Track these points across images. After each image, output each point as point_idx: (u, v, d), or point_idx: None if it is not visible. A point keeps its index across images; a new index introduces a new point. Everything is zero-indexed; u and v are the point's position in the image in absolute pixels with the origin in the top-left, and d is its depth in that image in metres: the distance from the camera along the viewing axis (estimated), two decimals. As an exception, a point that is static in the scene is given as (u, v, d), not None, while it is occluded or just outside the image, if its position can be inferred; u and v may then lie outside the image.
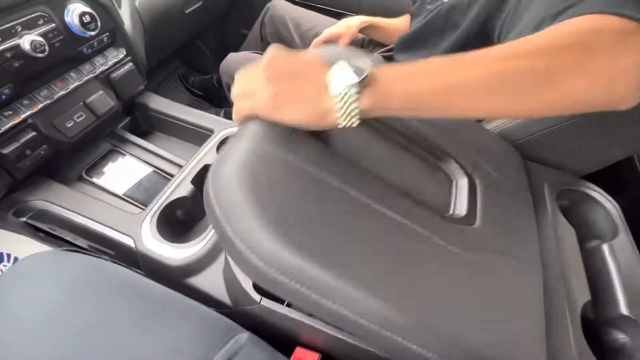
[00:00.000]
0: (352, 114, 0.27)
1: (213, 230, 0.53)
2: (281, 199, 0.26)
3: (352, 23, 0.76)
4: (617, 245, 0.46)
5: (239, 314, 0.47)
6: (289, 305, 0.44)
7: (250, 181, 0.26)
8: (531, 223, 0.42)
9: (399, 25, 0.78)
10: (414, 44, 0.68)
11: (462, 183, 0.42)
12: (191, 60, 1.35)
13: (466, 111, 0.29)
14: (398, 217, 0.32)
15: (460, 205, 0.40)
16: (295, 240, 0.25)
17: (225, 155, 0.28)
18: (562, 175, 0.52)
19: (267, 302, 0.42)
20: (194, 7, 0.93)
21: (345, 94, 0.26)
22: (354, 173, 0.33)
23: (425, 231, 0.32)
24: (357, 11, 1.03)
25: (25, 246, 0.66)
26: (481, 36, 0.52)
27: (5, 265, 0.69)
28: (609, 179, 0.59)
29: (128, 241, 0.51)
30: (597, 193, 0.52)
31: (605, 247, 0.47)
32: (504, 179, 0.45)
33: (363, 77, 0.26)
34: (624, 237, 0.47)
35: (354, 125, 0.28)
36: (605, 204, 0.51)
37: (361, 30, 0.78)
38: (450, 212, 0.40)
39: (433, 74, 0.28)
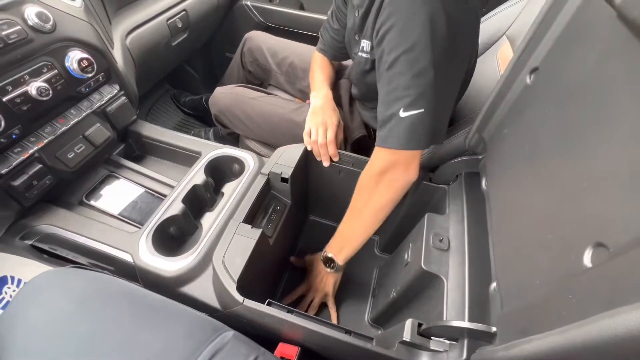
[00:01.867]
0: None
1: (203, 243, 0.60)
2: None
3: (334, 119, 0.73)
4: None
5: (227, 316, 0.53)
6: (269, 304, 0.50)
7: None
8: None
9: None
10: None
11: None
12: (180, 83, 1.43)
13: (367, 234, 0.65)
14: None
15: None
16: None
17: None
18: None
19: (249, 302, 0.48)
20: (180, 38, 1.01)
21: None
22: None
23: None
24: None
25: (29, 268, 0.72)
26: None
27: (9, 287, 0.74)
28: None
29: (127, 257, 0.58)
30: None
31: None
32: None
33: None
34: None
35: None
36: None
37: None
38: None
39: (350, 237, 0.67)
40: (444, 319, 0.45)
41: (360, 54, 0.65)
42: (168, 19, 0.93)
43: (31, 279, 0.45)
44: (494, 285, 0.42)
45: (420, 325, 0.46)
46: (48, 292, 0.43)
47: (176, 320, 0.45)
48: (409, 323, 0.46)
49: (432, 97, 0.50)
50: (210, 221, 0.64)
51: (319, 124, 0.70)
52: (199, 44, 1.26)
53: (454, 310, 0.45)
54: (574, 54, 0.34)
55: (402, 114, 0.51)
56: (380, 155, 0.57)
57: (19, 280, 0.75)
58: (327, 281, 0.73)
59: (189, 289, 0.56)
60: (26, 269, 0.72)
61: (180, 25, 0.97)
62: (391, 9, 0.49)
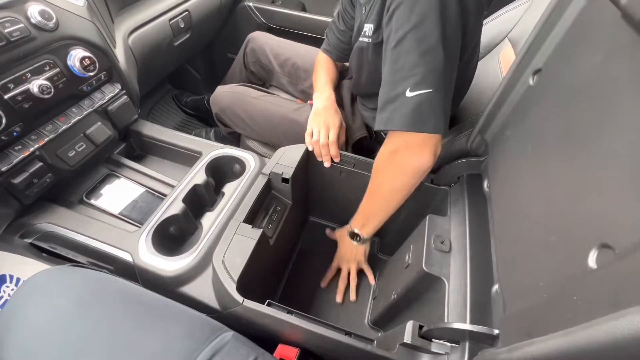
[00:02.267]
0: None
1: (203, 243, 0.59)
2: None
3: (336, 121, 0.73)
4: None
5: (226, 316, 0.53)
6: (269, 305, 0.50)
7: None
8: None
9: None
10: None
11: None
12: (182, 83, 1.43)
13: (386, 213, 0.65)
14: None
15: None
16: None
17: None
18: None
19: (249, 303, 0.48)
20: (183, 39, 1.02)
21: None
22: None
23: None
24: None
25: (27, 267, 0.71)
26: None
27: (8, 286, 0.74)
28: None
29: (126, 256, 0.58)
30: None
31: None
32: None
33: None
34: None
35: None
36: None
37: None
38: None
39: (370, 215, 0.67)
40: (446, 321, 0.45)
41: (362, 39, 0.64)
42: (170, 19, 0.93)
43: (30, 277, 0.45)
44: (496, 287, 0.41)
45: (421, 327, 0.45)
46: (46, 291, 0.43)
47: (175, 320, 0.45)
48: (410, 325, 0.45)
49: (440, 77, 0.48)
50: (210, 221, 0.63)
51: (321, 125, 0.70)
52: (201, 45, 1.26)
53: (456, 312, 0.45)
54: (578, 55, 0.34)
55: (409, 93, 0.48)
56: (389, 137, 0.57)
57: (18, 279, 0.74)
58: (357, 251, 0.76)
59: (189, 289, 0.56)
60: (25, 267, 0.71)
61: (182, 26, 0.97)
62: None
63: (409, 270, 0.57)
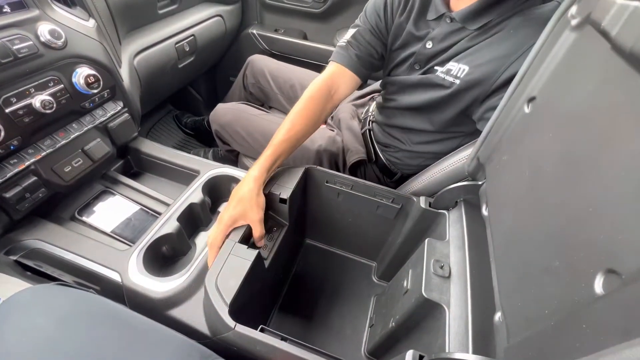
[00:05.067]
0: None
1: (195, 264, 0.57)
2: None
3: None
4: None
5: (216, 342, 0.50)
6: (262, 330, 0.48)
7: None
8: None
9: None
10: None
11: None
12: (183, 104, 1.46)
13: None
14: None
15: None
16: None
17: None
18: None
19: (241, 328, 0.46)
20: (187, 61, 1.05)
21: None
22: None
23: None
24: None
25: (9, 286, 0.68)
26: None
27: (-14, 307, 0.70)
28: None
29: (115, 276, 0.55)
30: None
31: None
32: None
33: None
34: None
35: None
36: None
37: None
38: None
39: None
40: (447, 350, 0.43)
41: (443, 75, 0.62)
42: (176, 43, 0.96)
43: (10, 296, 0.42)
44: (498, 314, 0.40)
45: (421, 357, 0.43)
46: (27, 311, 0.40)
47: (163, 345, 0.42)
48: (409, 355, 0.43)
49: None
50: (204, 241, 0.62)
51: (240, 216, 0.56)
52: (204, 68, 1.30)
53: (457, 341, 0.43)
54: (571, 84, 0.36)
55: None
56: None
57: (-2, 299, 0.71)
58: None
59: (178, 313, 0.53)
60: (6, 286, 0.68)
61: (187, 49, 1.01)
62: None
63: (407, 296, 0.56)
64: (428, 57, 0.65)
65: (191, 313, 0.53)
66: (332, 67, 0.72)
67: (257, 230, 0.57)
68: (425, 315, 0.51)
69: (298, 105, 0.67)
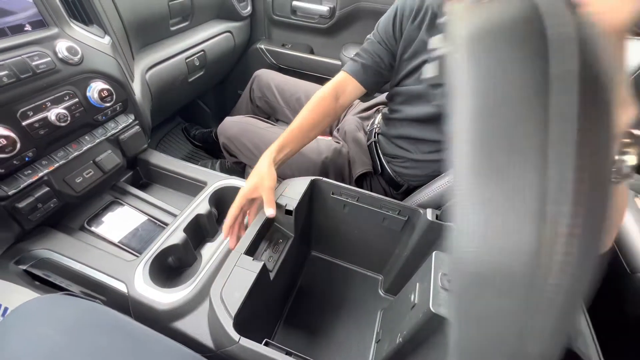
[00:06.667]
0: None
1: (201, 275, 0.57)
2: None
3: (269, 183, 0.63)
4: None
5: (220, 356, 0.49)
6: (266, 344, 0.47)
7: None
8: None
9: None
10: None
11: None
12: (192, 116, 1.49)
13: None
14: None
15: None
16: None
17: None
18: None
19: (245, 342, 0.45)
20: (197, 76, 1.08)
21: None
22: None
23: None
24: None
25: (17, 295, 0.69)
26: None
27: (-6, 316, 0.70)
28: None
29: (121, 286, 0.56)
30: None
31: None
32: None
33: None
34: None
35: None
36: None
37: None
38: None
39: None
40: (456, 368, 0.41)
41: None
42: (187, 58, 0.99)
43: (18, 305, 0.43)
44: (509, 331, 0.39)
45: (430, 375, 0.42)
46: (34, 321, 0.40)
47: (166, 358, 0.42)
48: (417, 372, 0.42)
49: None
50: (210, 252, 0.62)
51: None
52: (213, 82, 1.33)
53: (467, 359, 0.42)
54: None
55: None
56: None
57: (6, 309, 0.71)
58: None
59: (183, 324, 0.53)
60: (14, 296, 0.69)
61: (197, 64, 1.04)
62: None
63: (415, 310, 0.54)
64: None
65: (196, 325, 0.53)
66: (341, 75, 0.77)
67: (268, 197, 0.62)
68: (433, 331, 0.50)
69: (308, 104, 0.74)
